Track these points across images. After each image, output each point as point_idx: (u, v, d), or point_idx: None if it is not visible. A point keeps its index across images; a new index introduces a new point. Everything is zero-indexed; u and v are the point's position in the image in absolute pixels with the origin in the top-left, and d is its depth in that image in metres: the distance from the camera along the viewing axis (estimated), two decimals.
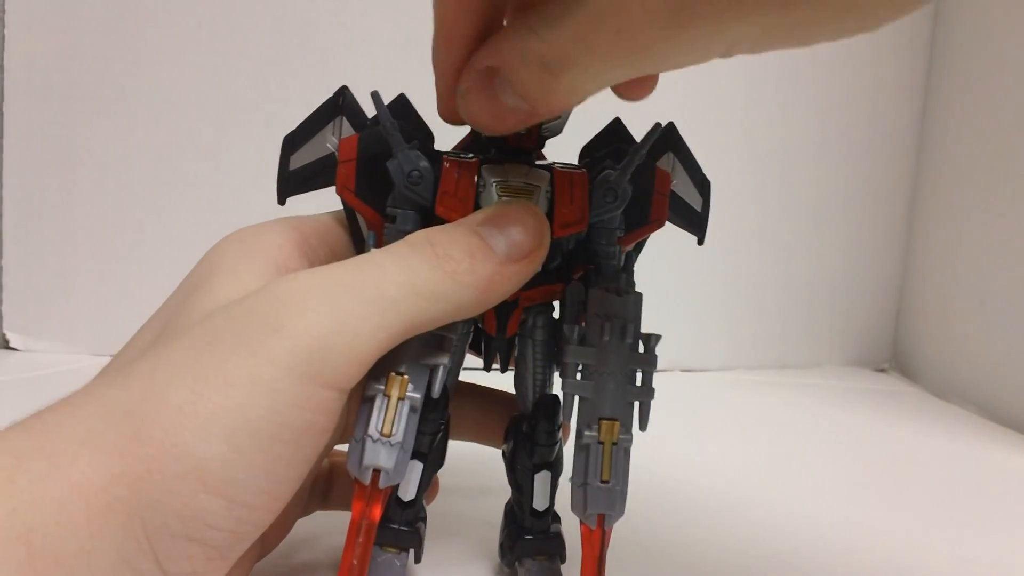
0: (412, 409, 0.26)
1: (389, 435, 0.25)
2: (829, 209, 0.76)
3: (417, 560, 0.30)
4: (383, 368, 0.25)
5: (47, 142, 0.64)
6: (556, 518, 0.31)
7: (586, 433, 0.26)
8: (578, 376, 0.27)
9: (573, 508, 0.27)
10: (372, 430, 0.25)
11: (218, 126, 0.65)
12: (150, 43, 0.64)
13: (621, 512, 0.26)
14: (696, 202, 0.29)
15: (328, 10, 0.65)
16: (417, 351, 0.26)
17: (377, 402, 0.25)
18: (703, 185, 0.29)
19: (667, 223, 0.29)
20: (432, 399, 0.28)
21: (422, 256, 0.24)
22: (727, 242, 0.72)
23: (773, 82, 0.72)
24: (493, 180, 0.26)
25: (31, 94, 0.63)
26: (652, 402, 0.27)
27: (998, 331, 0.64)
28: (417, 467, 0.29)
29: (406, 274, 0.24)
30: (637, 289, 0.27)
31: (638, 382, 0.27)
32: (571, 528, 0.32)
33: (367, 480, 0.25)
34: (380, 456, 0.25)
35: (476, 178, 0.26)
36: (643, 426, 0.27)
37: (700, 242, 0.29)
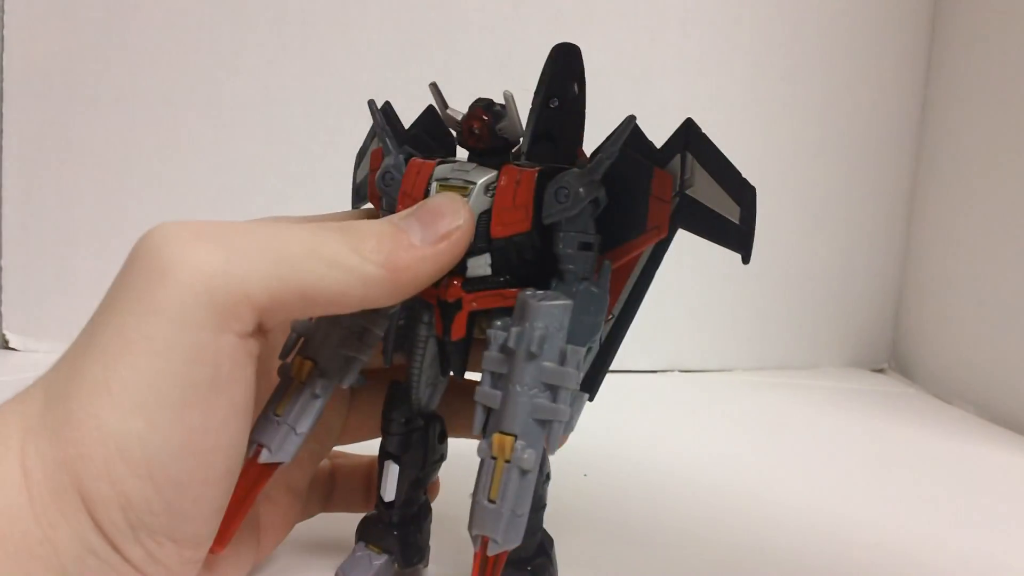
0: (313, 395, 0.26)
1: (280, 415, 0.26)
2: (828, 209, 0.76)
3: (405, 564, 0.30)
4: (301, 352, 0.27)
5: (47, 142, 0.64)
6: (550, 542, 0.30)
7: (482, 445, 0.24)
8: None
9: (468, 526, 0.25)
10: (270, 408, 0.26)
11: (218, 126, 0.65)
12: (150, 43, 0.64)
13: (510, 540, 0.24)
14: (732, 212, 0.25)
15: (328, 10, 0.65)
16: (338, 341, 0.27)
17: (282, 382, 0.27)
18: (741, 191, 0.25)
19: (703, 240, 0.25)
20: (395, 399, 0.29)
21: (330, 230, 0.24)
22: None
23: (772, 82, 0.72)
24: (435, 179, 0.26)
25: (31, 94, 0.63)
26: (563, 423, 0.24)
27: (997, 331, 0.64)
28: (392, 468, 0.29)
29: (310, 239, 0.24)
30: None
31: (559, 399, 0.24)
32: (570, 548, 0.32)
33: (250, 454, 0.26)
34: (264, 433, 0.26)
35: (429, 177, 0.27)
36: (551, 449, 0.24)
37: (745, 260, 0.24)
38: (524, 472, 0.24)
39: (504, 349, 0.24)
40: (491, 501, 0.23)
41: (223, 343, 0.22)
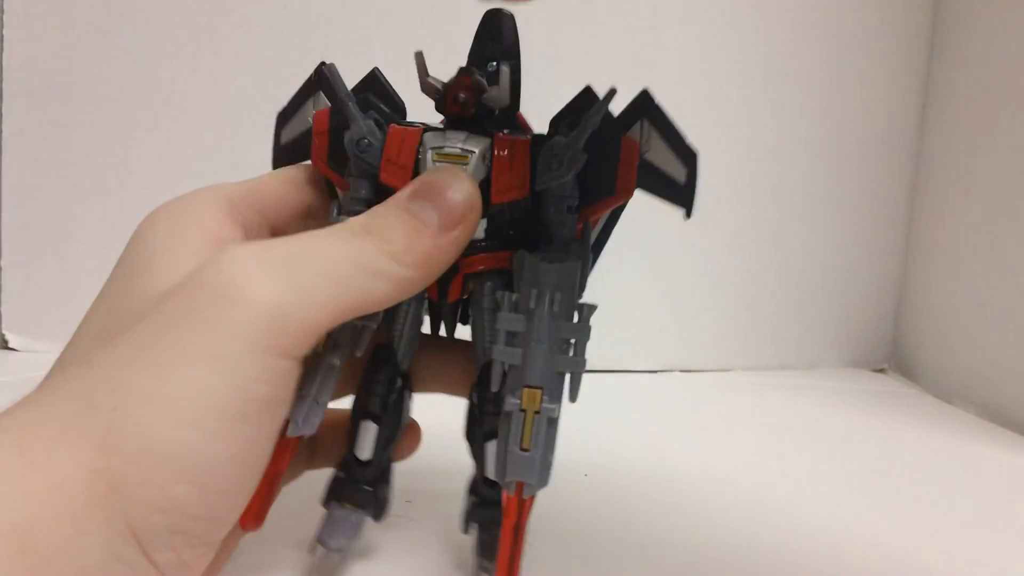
0: (330, 366, 0.27)
1: (302, 388, 0.27)
2: (827, 208, 0.76)
3: (376, 518, 0.31)
4: None
5: (47, 142, 0.64)
6: None
7: (509, 400, 0.26)
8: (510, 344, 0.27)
9: (496, 474, 0.27)
10: None
11: (218, 126, 0.65)
12: (150, 43, 0.64)
13: (541, 482, 0.27)
14: (680, 174, 0.27)
15: (328, 10, 0.65)
16: None
17: None
18: (688, 156, 0.27)
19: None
20: (381, 361, 0.30)
21: (363, 240, 0.25)
22: (724, 241, 0.72)
23: (770, 78, 0.72)
24: (430, 147, 0.27)
25: (31, 94, 0.63)
26: (583, 373, 0.26)
27: (998, 331, 0.64)
28: (371, 427, 0.30)
29: (353, 254, 0.25)
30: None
31: (572, 352, 0.26)
32: (570, 548, 0.32)
33: None
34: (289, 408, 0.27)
35: (417, 145, 0.27)
36: (572, 397, 0.27)
37: (687, 215, 0.27)
38: (552, 421, 0.26)
39: (518, 308, 0.26)
40: (524, 450, 0.26)
41: (284, 367, 0.23)
